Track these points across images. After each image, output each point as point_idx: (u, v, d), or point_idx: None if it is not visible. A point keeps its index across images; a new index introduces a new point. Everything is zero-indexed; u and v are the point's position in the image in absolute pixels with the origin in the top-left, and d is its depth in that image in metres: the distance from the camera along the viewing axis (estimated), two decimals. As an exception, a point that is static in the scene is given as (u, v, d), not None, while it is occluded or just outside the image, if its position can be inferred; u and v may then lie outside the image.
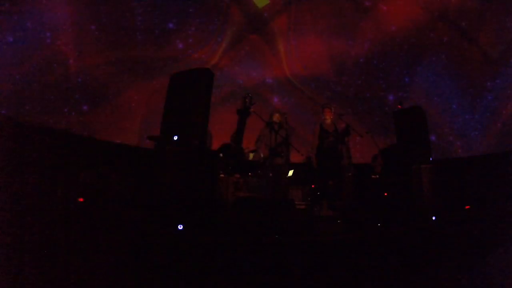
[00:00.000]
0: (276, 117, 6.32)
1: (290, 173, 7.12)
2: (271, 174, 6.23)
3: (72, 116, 8.18)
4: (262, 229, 4.44)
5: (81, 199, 4.63)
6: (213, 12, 9.49)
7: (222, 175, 5.88)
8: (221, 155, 6.25)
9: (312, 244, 4.09)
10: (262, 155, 6.35)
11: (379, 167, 7.00)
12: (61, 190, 4.94)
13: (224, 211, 4.83)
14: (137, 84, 9.07)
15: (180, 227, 3.95)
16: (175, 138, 4.26)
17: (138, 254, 3.47)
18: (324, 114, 6.37)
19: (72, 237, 3.65)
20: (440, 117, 9.37)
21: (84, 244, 3.52)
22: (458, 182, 6.88)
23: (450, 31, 9.43)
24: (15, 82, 7.45)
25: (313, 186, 6.85)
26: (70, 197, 5.54)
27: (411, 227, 5.05)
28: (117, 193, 5.98)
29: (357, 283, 3.38)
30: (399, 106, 6.50)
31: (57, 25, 7.96)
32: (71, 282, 2.93)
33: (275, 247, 3.91)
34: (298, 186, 7.33)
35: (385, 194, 6.21)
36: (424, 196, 5.61)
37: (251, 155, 6.71)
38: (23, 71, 7.59)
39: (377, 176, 6.87)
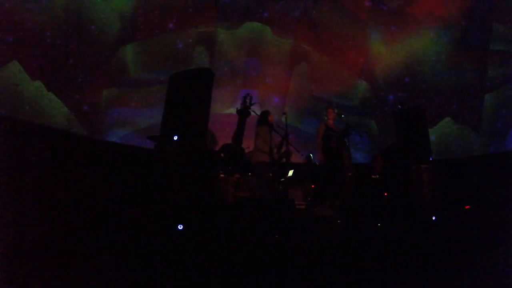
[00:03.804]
0: (271, 118, 6.31)
1: (290, 173, 7.12)
2: (271, 174, 6.22)
3: (72, 116, 8.17)
4: (262, 229, 4.44)
5: None
6: (213, 12, 9.50)
7: (222, 175, 5.88)
8: (221, 155, 6.25)
9: (312, 244, 4.09)
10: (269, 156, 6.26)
11: (379, 167, 7.00)
12: (61, 190, 4.95)
13: (224, 211, 4.83)
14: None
15: (180, 227, 3.95)
16: (175, 138, 4.26)
17: (138, 254, 3.47)
18: (328, 115, 6.37)
19: (72, 237, 3.66)
20: (440, 117, 9.38)
21: (84, 244, 3.52)
22: (458, 182, 6.88)
23: (450, 32, 9.44)
24: (15, 82, 7.45)
25: (313, 186, 6.85)
26: (70, 197, 5.55)
27: (411, 227, 5.05)
28: (117, 193, 5.98)
29: (357, 283, 3.38)
30: (399, 106, 6.49)
31: (57, 24, 7.95)
32: (71, 282, 2.93)
33: (275, 247, 3.91)
34: (298, 186, 7.33)
35: (385, 194, 6.21)
36: (424, 196, 5.61)
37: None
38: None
39: (377, 176, 6.87)
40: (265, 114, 6.16)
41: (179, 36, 9.17)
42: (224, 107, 9.44)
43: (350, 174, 6.95)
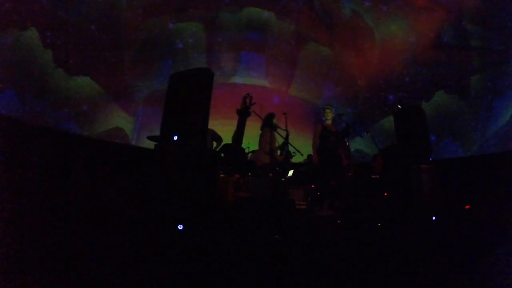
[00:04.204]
0: (276, 120, 6.39)
1: (290, 173, 7.12)
2: (271, 174, 6.23)
3: (72, 116, 8.18)
4: (262, 229, 4.44)
5: None
6: (213, 12, 9.51)
7: (222, 175, 5.87)
8: (221, 155, 6.25)
9: (312, 244, 4.09)
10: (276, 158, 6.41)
11: (379, 167, 6.99)
12: (61, 190, 4.94)
13: (224, 211, 4.82)
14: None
15: (180, 227, 3.95)
16: (175, 138, 4.26)
17: (138, 254, 3.47)
18: (325, 115, 6.37)
19: (72, 236, 3.65)
20: (440, 117, 9.40)
21: (84, 244, 3.52)
22: (458, 182, 6.87)
23: (451, 32, 9.45)
24: (15, 82, 7.45)
25: (313, 186, 6.85)
26: (70, 196, 5.54)
27: (411, 227, 5.05)
28: (117, 193, 5.98)
29: (357, 283, 3.38)
30: (399, 106, 6.49)
31: (57, 25, 7.95)
32: (71, 282, 2.93)
33: (275, 247, 3.91)
34: (299, 186, 7.33)
35: (385, 194, 6.20)
36: (424, 196, 5.60)
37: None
38: (23, 71, 7.59)
39: (377, 176, 6.86)
40: (270, 117, 6.33)
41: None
42: (225, 77, 9.57)
43: (350, 174, 6.95)
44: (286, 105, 9.63)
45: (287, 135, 6.34)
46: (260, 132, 6.48)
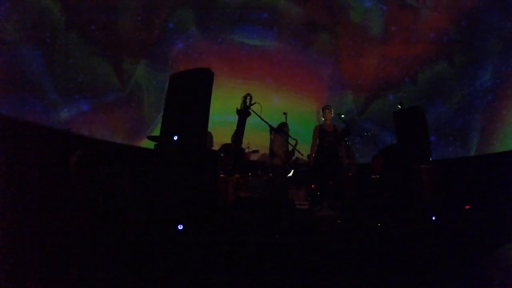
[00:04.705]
0: (287, 129, 6.59)
1: (290, 173, 7.13)
2: (271, 174, 6.25)
3: (72, 116, 8.18)
4: (262, 229, 4.44)
5: None
6: (213, 11, 9.51)
7: (222, 175, 5.88)
8: (221, 155, 6.26)
9: (312, 244, 4.09)
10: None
11: (379, 167, 6.99)
12: (61, 190, 4.94)
13: (224, 211, 4.82)
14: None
15: (180, 227, 3.95)
16: (175, 138, 4.26)
17: (138, 254, 3.47)
18: (324, 115, 6.35)
19: (72, 236, 3.66)
20: (440, 117, 9.41)
21: (84, 244, 3.53)
22: (458, 182, 6.87)
23: (450, 32, 9.47)
24: (15, 82, 7.46)
25: (313, 186, 6.86)
26: (69, 196, 5.54)
27: (411, 227, 5.05)
28: (116, 193, 5.98)
29: (357, 283, 3.38)
30: (399, 106, 6.49)
31: (57, 25, 7.97)
32: (71, 282, 2.93)
33: (275, 247, 3.91)
34: (299, 186, 7.33)
35: (385, 194, 6.21)
36: (424, 196, 5.61)
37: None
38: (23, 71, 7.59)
39: (377, 176, 6.86)
40: (282, 125, 6.62)
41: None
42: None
43: (350, 174, 6.95)
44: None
45: (287, 136, 6.40)
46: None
